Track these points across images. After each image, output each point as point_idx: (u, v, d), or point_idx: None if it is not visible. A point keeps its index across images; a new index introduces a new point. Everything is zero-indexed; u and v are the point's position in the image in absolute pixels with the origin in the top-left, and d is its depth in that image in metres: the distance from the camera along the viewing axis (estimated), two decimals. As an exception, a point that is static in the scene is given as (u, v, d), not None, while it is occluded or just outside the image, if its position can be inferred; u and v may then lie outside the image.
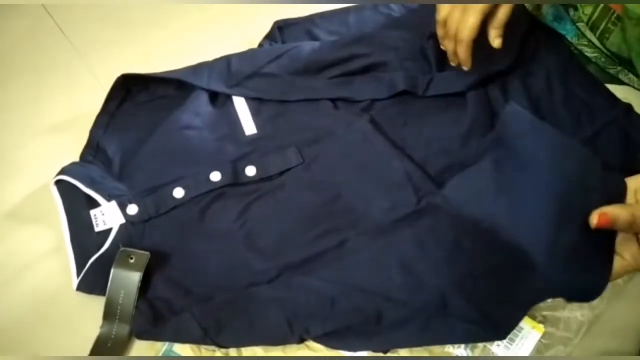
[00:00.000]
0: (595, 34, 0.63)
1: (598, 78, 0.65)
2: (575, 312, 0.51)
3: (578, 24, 0.65)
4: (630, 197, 0.40)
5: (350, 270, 0.51)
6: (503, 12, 0.53)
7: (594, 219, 0.37)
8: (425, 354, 0.50)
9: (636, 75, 0.61)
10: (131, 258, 0.51)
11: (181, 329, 0.49)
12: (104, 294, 0.50)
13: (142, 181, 0.58)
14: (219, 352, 0.50)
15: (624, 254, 0.39)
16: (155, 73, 0.64)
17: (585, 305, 0.51)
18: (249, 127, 0.62)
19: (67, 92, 0.69)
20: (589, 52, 0.66)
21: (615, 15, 0.59)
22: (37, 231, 0.58)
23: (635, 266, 0.39)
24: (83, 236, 0.55)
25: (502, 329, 0.46)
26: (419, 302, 0.48)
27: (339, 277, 0.51)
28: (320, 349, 0.50)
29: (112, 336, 0.50)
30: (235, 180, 0.58)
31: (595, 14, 0.61)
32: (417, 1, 0.72)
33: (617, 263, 0.39)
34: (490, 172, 0.48)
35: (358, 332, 0.49)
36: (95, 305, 0.51)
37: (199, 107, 0.63)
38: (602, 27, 0.61)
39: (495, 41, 0.55)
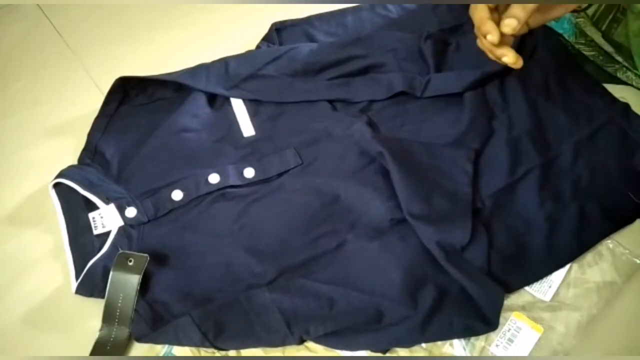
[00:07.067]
0: (601, 27, 0.62)
1: (596, 77, 0.65)
2: (574, 313, 0.51)
3: (578, 20, 0.65)
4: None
5: (349, 272, 0.51)
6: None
7: None
8: (425, 354, 0.50)
9: (635, 69, 0.61)
10: (130, 261, 0.51)
11: (180, 333, 0.49)
12: (103, 297, 0.50)
13: (140, 184, 0.58)
14: (218, 354, 0.50)
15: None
16: (153, 75, 0.64)
17: (584, 305, 0.51)
18: (247, 128, 0.62)
19: (65, 95, 0.69)
20: (586, 51, 0.66)
21: (622, 8, 0.59)
22: (36, 234, 0.58)
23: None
24: (82, 239, 0.55)
25: (492, 314, 0.48)
26: (419, 301, 0.48)
27: (338, 279, 0.51)
28: (319, 351, 0.50)
29: (111, 339, 0.50)
30: (233, 182, 0.58)
31: (601, 8, 0.61)
32: (415, 1, 0.72)
33: None
34: None
35: (358, 331, 0.49)
36: (95, 308, 0.51)
37: (197, 109, 0.63)
38: (610, 17, 0.61)
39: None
